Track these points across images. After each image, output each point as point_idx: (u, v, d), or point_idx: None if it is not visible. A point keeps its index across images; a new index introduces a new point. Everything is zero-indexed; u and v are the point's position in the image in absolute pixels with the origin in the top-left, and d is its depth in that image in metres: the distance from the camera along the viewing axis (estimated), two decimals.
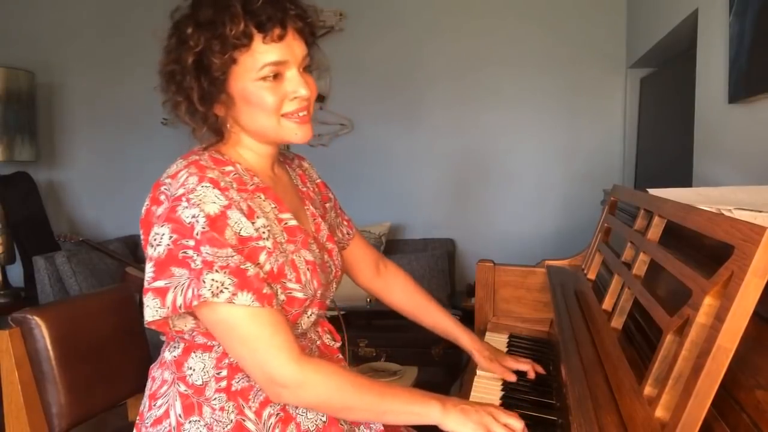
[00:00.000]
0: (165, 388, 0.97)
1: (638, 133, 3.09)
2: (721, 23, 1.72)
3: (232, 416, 0.93)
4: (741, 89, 1.58)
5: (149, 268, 0.88)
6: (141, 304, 0.90)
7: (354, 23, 3.31)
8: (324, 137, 3.37)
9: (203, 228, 0.85)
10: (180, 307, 0.85)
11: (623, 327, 0.95)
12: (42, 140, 3.51)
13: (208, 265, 0.84)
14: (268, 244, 0.91)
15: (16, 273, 3.24)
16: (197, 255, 0.84)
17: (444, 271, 2.97)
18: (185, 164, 0.92)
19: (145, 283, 0.88)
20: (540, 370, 1.21)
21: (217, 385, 0.94)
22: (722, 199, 0.94)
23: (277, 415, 0.95)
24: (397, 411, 0.90)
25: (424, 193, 3.36)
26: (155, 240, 0.87)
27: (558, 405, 1.08)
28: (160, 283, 0.86)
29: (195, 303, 0.84)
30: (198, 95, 0.91)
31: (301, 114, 0.96)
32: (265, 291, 0.86)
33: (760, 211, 0.75)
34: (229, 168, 0.96)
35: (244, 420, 0.93)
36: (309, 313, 0.99)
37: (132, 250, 3.07)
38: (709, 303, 0.63)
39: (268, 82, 0.92)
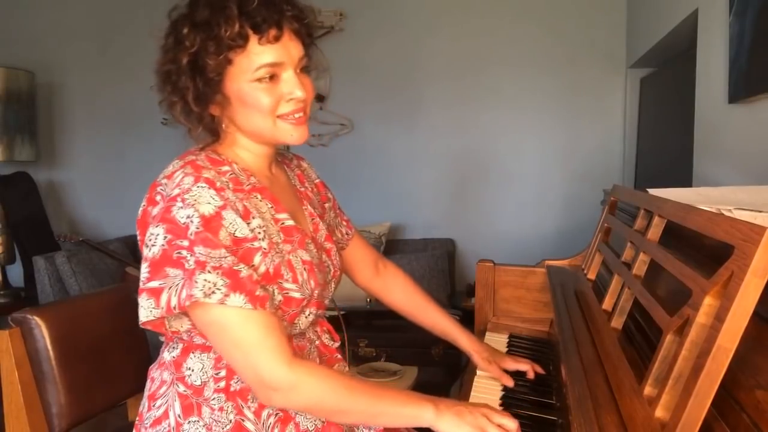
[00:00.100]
0: (164, 388, 0.97)
1: (638, 133, 3.09)
2: (721, 23, 1.72)
3: (231, 416, 0.93)
4: (741, 89, 1.58)
5: (144, 268, 0.88)
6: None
7: (354, 23, 3.31)
8: (324, 137, 3.37)
9: (197, 228, 0.85)
10: (174, 307, 0.85)
11: (623, 327, 0.95)
12: (42, 140, 3.51)
13: (201, 266, 0.84)
14: (264, 244, 0.91)
15: (16, 273, 3.23)
16: (191, 255, 0.84)
17: (444, 271, 2.97)
18: (181, 164, 0.92)
19: (140, 284, 0.88)
20: (539, 369, 1.21)
21: (216, 385, 0.94)
22: (722, 199, 0.94)
23: (276, 415, 0.95)
24: (390, 413, 0.90)
25: (424, 193, 3.36)
26: (150, 240, 0.87)
27: (558, 405, 1.08)
28: (154, 284, 0.86)
29: (187, 303, 0.84)
30: (193, 95, 0.91)
31: (297, 115, 0.96)
32: (258, 293, 0.86)
33: (760, 211, 0.75)
34: (226, 168, 0.96)
35: (243, 420, 0.93)
36: (307, 313, 0.99)
37: (132, 250, 3.07)
38: (709, 303, 0.63)
39: (264, 83, 0.92)
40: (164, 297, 0.85)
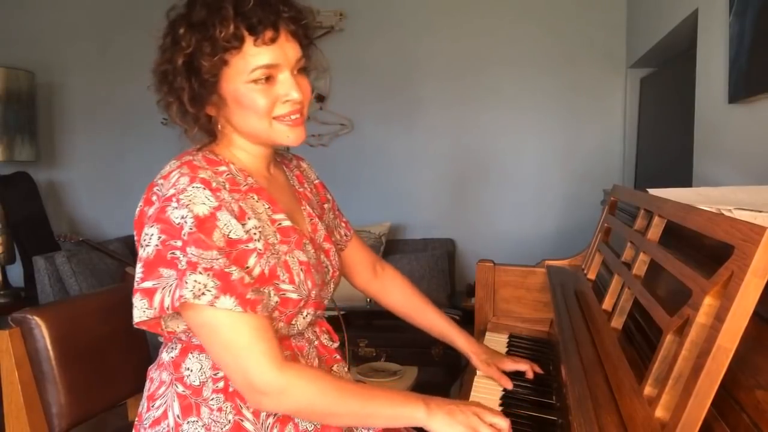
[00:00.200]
0: (163, 389, 0.97)
1: (638, 133, 3.09)
2: (721, 23, 1.72)
3: (230, 416, 0.92)
4: (741, 89, 1.58)
5: (138, 268, 0.88)
6: None
7: (354, 23, 3.31)
8: (324, 137, 3.37)
9: (191, 229, 0.85)
10: (167, 308, 0.85)
11: (623, 327, 0.95)
12: (42, 140, 3.51)
13: (192, 266, 0.83)
14: (259, 245, 0.91)
15: (16, 273, 3.23)
16: (183, 256, 0.84)
17: (444, 271, 2.97)
18: (178, 165, 0.92)
19: (135, 284, 0.88)
20: (538, 369, 1.21)
21: (215, 385, 0.94)
22: (722, 199, 0.94)
23: (275, 415, 0.95)
24: (381, 414, 0.90)
25: (424, 193, 3.36)
26: (145, 240, 0.88)
27: (558, 405, 1.08)
28: (148, 284, 0.86)
29: (177, 304, 0.84)
30: (189, 96, 0.91)
31: (293, 117, 0.95)
32: (248, 296, 0.85)
33: (760, 211, 0.75)
34: (223, 168, 0.96)
35: (242, 420, 0.93)
36: (305, 313, 0.99)
37: (132, 250, 3.07)
38: (709, 303, 0.63)
39: (260, 85, 0.92)
40: (157, 297, 0.85)
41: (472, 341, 1.25)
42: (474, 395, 1.13)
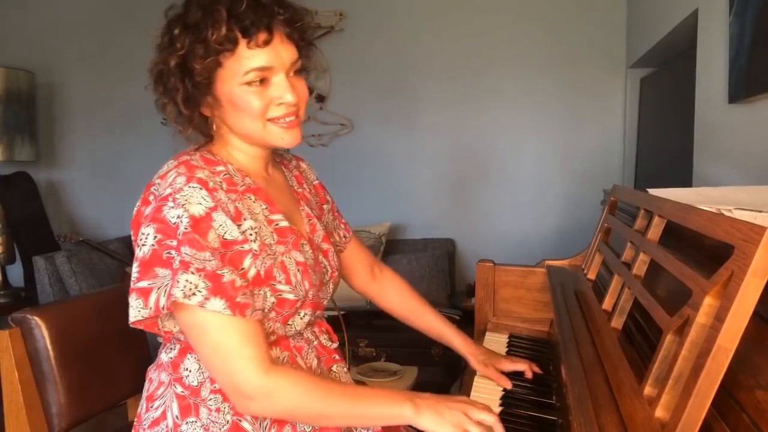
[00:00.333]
0: (162, 389, 0.97)
1: (638, 133, 3.09)
2: (721, 23, 1.72)
3: (228, 417, 0.92)
4: (741, 89, 1.57)
5: (135, 268, 0.88)
6: None
7: (354, 23, 3.31)
8: (324, 137, 3.37)
9: (186, 229, 0.85)
10: (163, 308, 0.85)
11: (623, 327, 0.95)
12: (42, 140, 3.51)
13: (185, 266, 0.83)
14: (255, 246, 0.91)
15: (16, 273, 3.23)
16: (177, 255, 0.84)
17: (444, 271, 2.97)
18: (175, 164, 0.92)
19: (131, 283, 0.88)
20: (537, 369, 1.21)
21: (213, 386, 0.94)
22: (722, 199, 0.94)
23: None
24: (369, 414, 0.90)
25: (423, 193, 3.36)
26: (141, 240, 0.88)
27: (558, 405, 1.08)
28: (143, 284, 0.86)
29: (168, 303, 0.84)
30: (182, 97, 0.91)
31: (287, 119, 0.95)
32: (238, 299, 0.85)
33: (760, 211, 0.75)
34: (221, 168, 0.96)
35: (240, 420, 0.93)
36: (302, 314, 0.99)
37: (132, 250, 3.06)
38: (709, 303, 0.63)
39: (254, 87, 0.92)
40: (153, 297, 0.85)
41: (469, 342, 1.25)
42: (474, 395, 1.13)
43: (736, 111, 1.66)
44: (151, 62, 0.94)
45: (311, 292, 0.98)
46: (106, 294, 1.36)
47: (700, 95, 1.97)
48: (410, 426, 0.91)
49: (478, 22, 3.22)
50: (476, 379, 1.19)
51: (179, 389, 0.95)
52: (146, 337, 1.36)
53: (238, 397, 0.88)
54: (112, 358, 1.27)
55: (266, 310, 0.92)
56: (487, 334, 1.48)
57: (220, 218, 0.88)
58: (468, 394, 1.13)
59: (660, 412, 0.65)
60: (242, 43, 0.89)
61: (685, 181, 2.08)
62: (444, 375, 2.50)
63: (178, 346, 0.97)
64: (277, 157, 1.14)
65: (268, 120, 0.94)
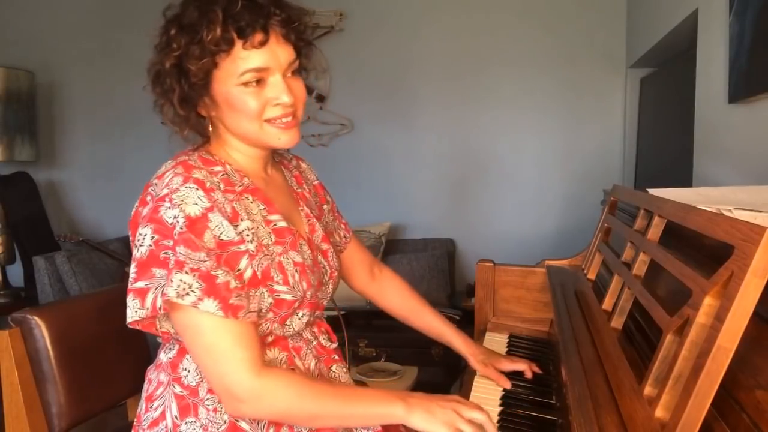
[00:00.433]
0: (161, 389, 0.97)
1: (638, 133, 3.09)
2: (721, 23, 1.72)
3: (226, 417, 0.92)
4: (741, 89, 1.57)
5: (132, 268, 0.88)
6: None
7: (353, 23, 3.31)
8: (324, 137, 3.37)
9: (181, 229, 0.85)
10: (159, 308, 0.85)
11: (623, 327, 0.95)
12: (42, 140, 3.51)
13: (179, 266, 0.83)
14: (251, 247, 0.91)
15: (16, 273, 3.23)
16: (173, 255, 0.84)
17: (444, 271, 2.97)
18: (173, 165, 0.92)
19: (128, 284, 0.88)
20: (536, 369, 1.21)
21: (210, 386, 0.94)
22: (722, 199, 0.94)
23: None
24: (361, 414, 0.90)
25: (423, 193, 3.36)
26: (138, 240, 0.88)
27: (558, 405, 1.08)
28: (141, 284, 0.86)
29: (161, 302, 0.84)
30: (179, 98, 0.92)
31: (284, 120, 0.95)
32: (231, 301, 0.85)
33: (760, 211, 0.75)
34: (218, 168, 0.95)
35: (237, 420, 0.92)
36: (300, 314, 0.99)
37: (131, 251, 3.07)
38: (709, 303, 0.63)
39: (251, 87, 0.91)
40: (150, 297, 0.85)
41: (469, 342, 1.25)
42: (474, 395, 1.13)
43: (736, 111, 1.66)
44: (148, 63, 0.94)
45: (309, 293, 0.98)
46: (105, 294, 1.36)
47: (700, 95, 1.97)
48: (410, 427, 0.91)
49: (478, 22, 3.22)
50: (476, 379, 1.19)
51: (178, 389, 0.95)
52: (146, 337, 1.36)
53: (229, 399, 0.88)
54: (112, 358, 1.27)
55: (263, 311, 0.92)
56: (487, 334, 1.48)
57: (216, 219, 0.88)
58: (468, 394, 1.13)
59: (660, 412, 0.65)
60: (238, 43, 0.89)
61: (685, 181, 2.08)
62: (444, 375, 2.50)
63: (176, 347, 0.97)
64: (277, 157, 1.14)
65: (265, 121, 0.94)
